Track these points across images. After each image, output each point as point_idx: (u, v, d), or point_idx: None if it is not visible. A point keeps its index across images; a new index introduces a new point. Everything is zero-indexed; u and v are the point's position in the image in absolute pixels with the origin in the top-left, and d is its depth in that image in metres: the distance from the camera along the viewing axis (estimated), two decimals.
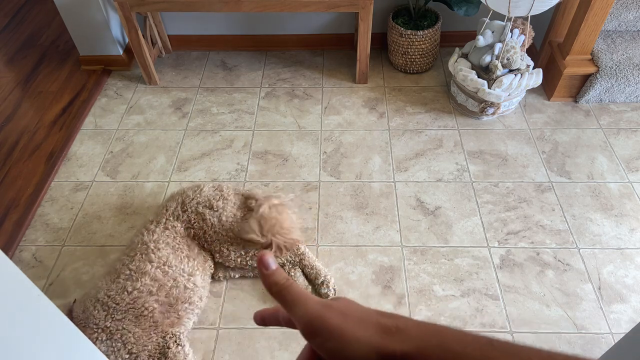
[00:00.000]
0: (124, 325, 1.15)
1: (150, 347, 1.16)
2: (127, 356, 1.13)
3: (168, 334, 1.19)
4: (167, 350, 1.16)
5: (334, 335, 0.28)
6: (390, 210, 1.62)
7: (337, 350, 0.27)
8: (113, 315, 1.16)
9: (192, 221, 1.37)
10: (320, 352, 0.29)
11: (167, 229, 1.34)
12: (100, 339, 1.13)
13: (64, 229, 1.59)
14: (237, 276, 1.44)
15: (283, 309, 0.33)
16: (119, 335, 1.14)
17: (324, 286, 1.38)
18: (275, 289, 0.32)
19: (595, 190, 1.66)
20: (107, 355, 1.11)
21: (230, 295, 1.42)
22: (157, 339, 1.18)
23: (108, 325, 1.15)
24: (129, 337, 1.14)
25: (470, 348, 0.24)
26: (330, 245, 1.52)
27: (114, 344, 1.13)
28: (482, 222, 1.57)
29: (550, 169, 1.73)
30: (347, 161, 1.78)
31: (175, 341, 1.18)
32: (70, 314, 1.21)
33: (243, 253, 1.36)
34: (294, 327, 0.33)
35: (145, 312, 1.19)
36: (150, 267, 1.24)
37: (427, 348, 0.25)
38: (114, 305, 1.17)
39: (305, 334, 0.29)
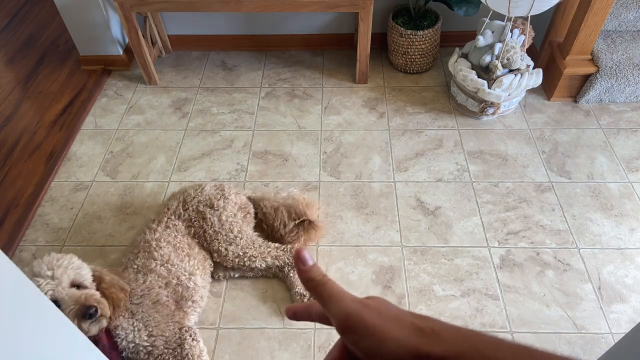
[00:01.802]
0: (144, 309, 1.17)
1: (168, 334, 1.17)
2: (146, 338, 1.14)
3: (184, 327, 1.20)
4: (183, 342, 1.17)
5: (370, 333, 0.28)
6: (390, 210, 1.62)
7: (373, 348, 0.28)
8: (131, 299, 1.17)
9: (193, 220, 1.37)
10: (354, 350, 0.29)
11: (168, 227, 1.35)
12: (123, 315, 1.14)
13: (64, 229, 1.59)
14: (236, 275, 1.44)
15: (316, 305, 0.33)
16: (140, 317, 1.16)
17: None
18: (312, 284, 0.32)
19: (595, 190, 1.66)
20: (127, 335, 1.13)
21: (230, 295, 1.42)
22: (174, 329, 1.19)
23: (128, 306, 1.16)
24: (150, 321, 1.16)
25: (503, 353, 0.25)
26: (330, 245, 1.52)
27: (135, 323, 1.14)
28: (482, 222, 1.57)
29: (550, 169, 1.73)
30: (347, 161, 1.78)
31: (191, 335, 1.19)
32: None
33: (241, 254, 1.36)
34: (326, 323, 0.33)
35: (162, 300, 1.21)
36: (154, 264, 1.25)
37: (463, 351, 0.26)
38: (129, 290, 1.19)
39: (341, 330, 0.30)
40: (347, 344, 0.30)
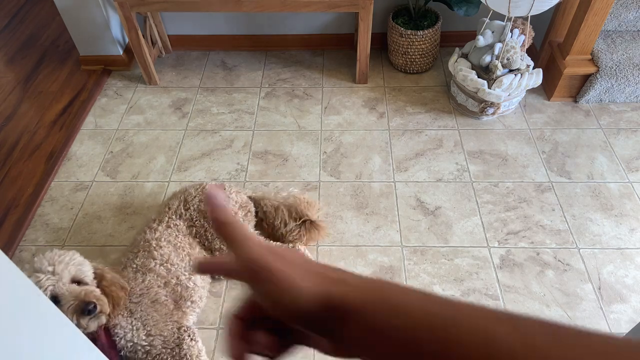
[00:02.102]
0: (142, 308, 1.17)
1: (166, 334, 1.17)
2: (144, 337, 1.14)
3: (183, 326, 1.20)
4: (182, 342, 1.17)
5: (274, 279, 0.26)
6: (390, 210, 1.62)
7: (276, 295, 0.26)
8: (130, 298, 1.17)
9: (194, 219, 1.37)
10: (258, 297, 0.28)
11: (169, 227, 1.35)
12: (122, 314, 1.14)
13: (64, 229, 1.59)
14: None
15: (222, 259, 0.32)
16: (138, 315, 1.16)
17: None
18: (221, 224, 0.30)
19: (595, 190, 1.66)
20: (126, 334, 1.13)
21: (230, 295, 1.42)
22: (172, 328, 1.18)
23: (127, 305, 1.16)
24: (148, 320, 1.16)
25: (411, 301, 0.24)
26: (330, 245, 1.52)
27: (134, 322, 1.15)
28: (482, 222, 1.57)
29: (550, 169, 1.73)
30: (347, 161, 1.78)
31: (189, 335, 1.19)
32: None
33: None
34: (233, 278, 0.31)
35: (161, 299, 1.21)
36: (154, 263, 1.25)
37: (370, 300, 0.25)
38: (127, 288, 1.19)
39: (245, 275, 0.28)
40: (251, 291, 0.29)
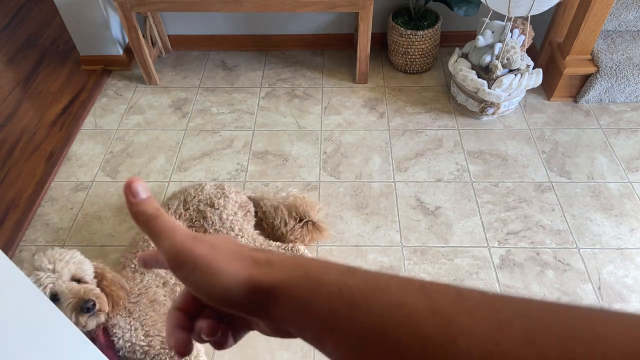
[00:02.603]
0: (141, 308, 1.17)
1: (164, 334, 1.16)
2: (142, 337, 1.14)
3: None
4: None
5: (199, 266, 0.26)
6: (390, 210, 1.62)
7: (203, 282, 0.26)
8: (128, 298, 1.17)
9: (194, 219, 1.38)
10: (186, 285, 0.28)
11: None
12: (120, 314, 1.14)
13: (64, 229, 1.59)
14: None
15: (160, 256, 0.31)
16: (137, 315, 1.16)
17: None
18: (142, 218, 0.29)
19: (595, 190, 1.66)
20: (124, 334, 1.13)
21: None
22: None
23: (126, 305, 1.16)
24: (147, 320, 1.16)
25: (330, 275, 0.24)
26: (330, 245, 1.52)
27: (132, 322, 1.14)
28: (482, 222, 1.57)
29: (550, 169, 1.73)
30: (347, 161, 1.78)
31: None
32: None
33: None
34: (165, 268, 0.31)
35: (160, 299, 1.21)
36: None
37: (293, 278, 0.25)
38: (127, 288, 1.19)
39: (171, 266, 0.28)
40: (180, 281, 0.28)
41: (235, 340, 0.32)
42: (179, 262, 0.27)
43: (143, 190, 0.30)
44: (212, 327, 0.29)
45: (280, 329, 0.28)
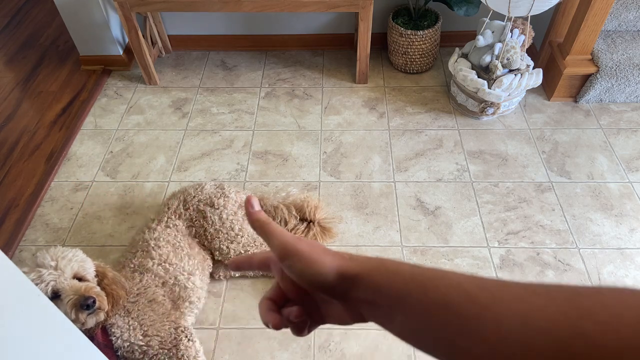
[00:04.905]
0: (139, 307, 1.17)
1: (163, 334, 1.17)
2: (141, 337, 1.14)
3: (180, 327, 1.20)
4: (179, 342, 1.17)
5: (302, 258, 0.35)
6: (390, 210, 1.62)
7: (304, 269, 0.35)
8: (127, 297, 1.17)
9: (194, 219, 1.37)
10: (289, 273, 0.36)
11: (168, 227, 1.34)
12: (119, 313, 1.14)
13: (64, 229, 1.59)
14: (237, 275, 1.44)
15: (256, 256, 0.41)
16: (135, 315, 1.16)
17: None
18: (258, 224, 0.39)
19: (595, 190, 1.66)
20: (123, 333, 1.13)
21: (230, 295, 1.42)
22: (170, 329, 1.18)
23: (125, 304, 1.16)
24: (145, 320, 1.16)
25: (403, 267, 0.32)
26: (331, 245, 1.52)
27: (130, 322, 1.14)
28: (482, 222, 1.57)
29: (550, 169, 1.73)
30: (347, 161, 1.78)
31: (187, 335, 1.19)
32: None
33: (242, 252, 1.37)
34: (265, 270, 0.41)
35: (159, 299, 1.20)
36: (152, 263, 1.25)
37: (373, 269, 0.33)
38: (127, 288, 1.19)
39: (280, 257, 0.36)
40: (284, 269, 0.36)
41: (309, 331, 0.39)
42: (287, 254, 0.35)
43: (257, 204, 0.40)
44: (300, 312, 0.37)
45: (354, 312, 0.35)
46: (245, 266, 0.43)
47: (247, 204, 0.40)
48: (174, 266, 1.27)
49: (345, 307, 0.36)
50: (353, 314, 0.35)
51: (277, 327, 0.37)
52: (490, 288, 0.27)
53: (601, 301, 0.23)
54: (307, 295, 0.38)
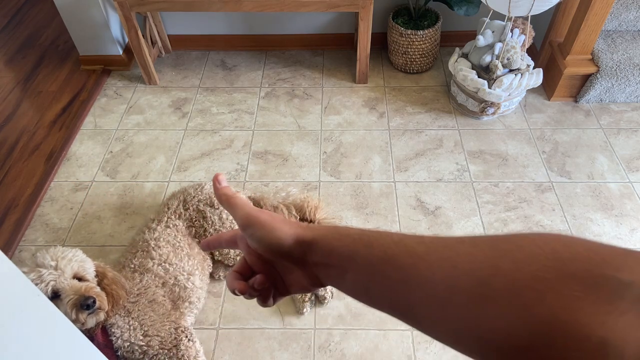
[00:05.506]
0: (139, 307, 1.17)
1: (163, 334, 1.16)
2: (141, 337, 1.14)
3: (180, 327, 1.20)
4: (179, 342, 1.17)
5: (263, 226, 0.38)
6: (390, 210, 1.61)
7: (265, 237, 0.38)
8: (127, 298, 1.17)
9: (194, 219, 1.37)
10: (251, 241, 0.39)
11: (168, 227, 1.34)
12: (119, 313, 1.14)
13: (64, 229, 1.59)
14: None
15: (225, 234, 0.45)
16: (135, 315, 1.16)
17: (322, 289, 1.38)
18: (225, 197, 0.42)
19: (596, 190, 1.66)
20: (123, 333, 1.12)
21: (230, 295, 1.41)
22: (170, 329, 1.18)
23: (125, 304, 1.16)
24: (145, 320, 1.16)
25: (353, 230, 0.35)
26: None
27: (131, 322, 1.14)
28: (482, 222, 1.57)
29: (551, 169, 1.73)
30: (347, 161, 1.78)
31: (187, 335, 1.19)
32: None
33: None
34: (233, 247, 0.44)
35: (159, 299, 1.20)
36: (152, 263, 1.25)
37: (327, 234, 0.36)
38: (127, 288, 1.18)
39: (243, 226, 0.39)
40: (247, 238, 0.39)
41: (275, 301, 0.42)
42: (249, 223, 0.39)
43: (224, 180, 0.44)
44: (263, 279, 0.39)
45: (312, 275, 0.37)
46: (215, 244, 0.46)
47: (215, 180, 0.43)
48: (174, 266, 1.27)
49: (304, 272, 0.38)
50: (311, 279, 0.38)
51: (243, 292, 0.39)
52: (426, 242, 0.30)
53: (517, 243, 0.25)
54: (271, 268, 0.40)
